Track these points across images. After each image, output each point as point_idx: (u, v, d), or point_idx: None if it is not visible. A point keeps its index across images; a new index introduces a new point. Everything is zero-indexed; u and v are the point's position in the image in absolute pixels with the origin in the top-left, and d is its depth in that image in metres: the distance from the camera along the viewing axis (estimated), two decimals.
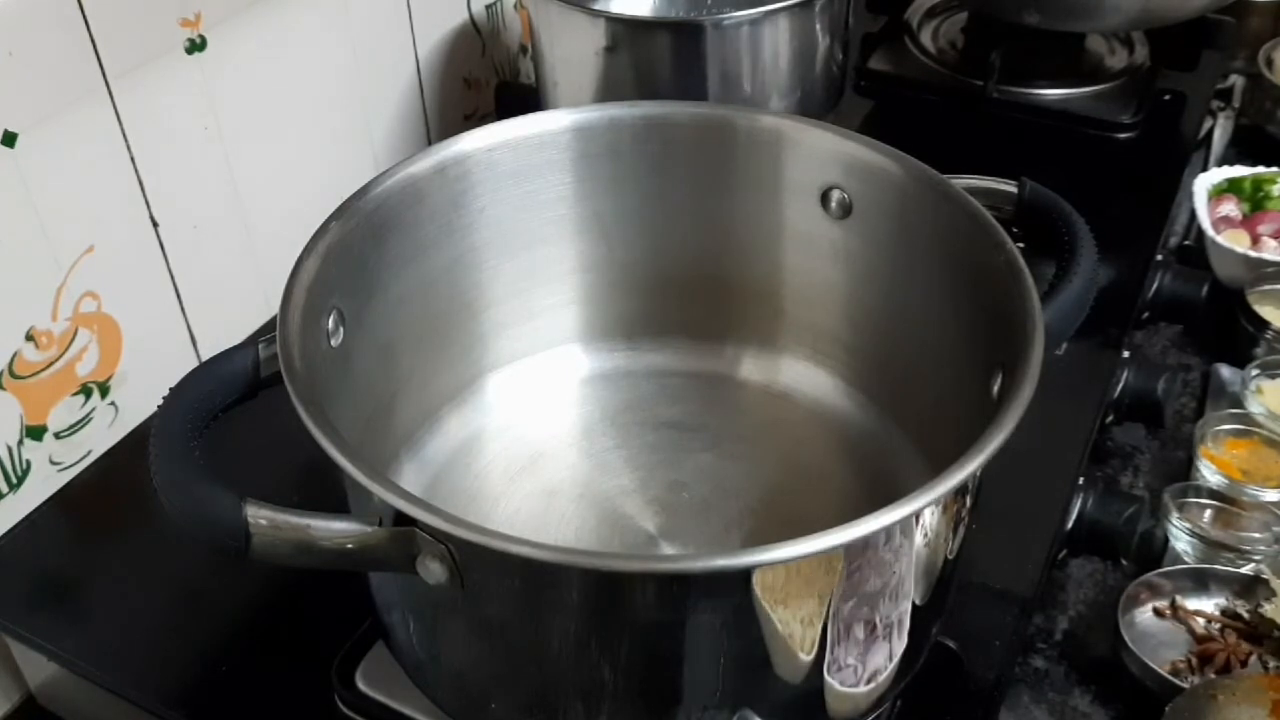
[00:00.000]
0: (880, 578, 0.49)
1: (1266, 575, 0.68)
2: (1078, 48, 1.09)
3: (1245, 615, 0.68)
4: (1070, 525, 0.69)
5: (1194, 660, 0.66)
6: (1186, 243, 0.98)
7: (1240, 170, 0.98)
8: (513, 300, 0.71)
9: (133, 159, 0.72)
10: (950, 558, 0.54)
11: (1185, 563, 0.72)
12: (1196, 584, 0.70)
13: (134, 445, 0.75)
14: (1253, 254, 0.90)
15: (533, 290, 0.71)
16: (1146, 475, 0.79)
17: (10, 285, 0.67)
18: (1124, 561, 0.71)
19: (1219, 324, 0.88)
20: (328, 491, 0.51)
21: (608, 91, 0.86)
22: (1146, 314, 0.87)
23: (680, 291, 0.72)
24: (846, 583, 0.48)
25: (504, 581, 0.48)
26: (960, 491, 0.51)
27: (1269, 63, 1.13)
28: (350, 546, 0.47)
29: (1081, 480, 0.70)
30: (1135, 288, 0.85)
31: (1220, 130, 1.11)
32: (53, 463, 0.72)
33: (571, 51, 0.87)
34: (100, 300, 0.72)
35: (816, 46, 0.88)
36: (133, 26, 0.70)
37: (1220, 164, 1.03)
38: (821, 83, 0.90)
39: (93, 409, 0.74)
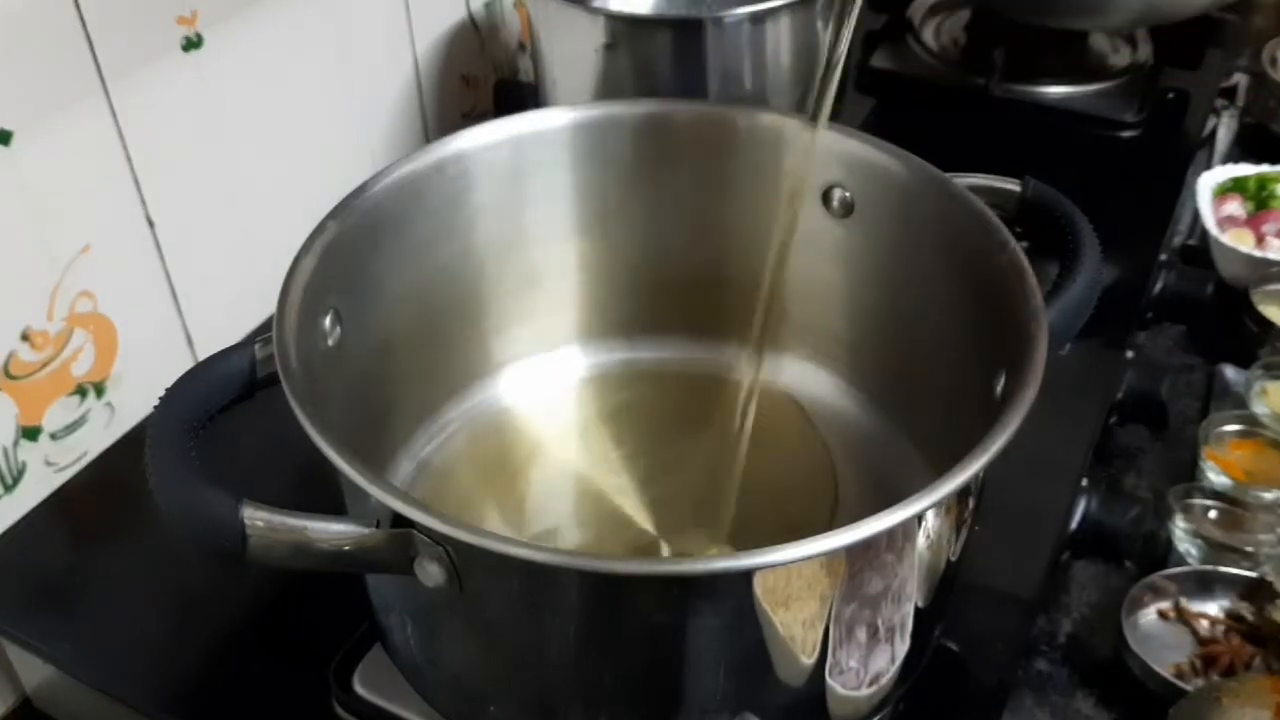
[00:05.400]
0: (882, 580, 0.49)
1: (1271, 578, 0.68)
2: (1081, 46, 1.08)
3: (1249, 617, 0.68)
4: (1074, 527, 0.68)
5: (1198, 663, 0.66)
6: (1190, 242, 0.98)
7: (1244, 169, 0.98)
8: (512, 300, 0.70)
9: (129, 157, 0.72)
10: (953, 560, 0.54)
11: (1189, 565, 0.71)
12: (1200, 586, 0.69)
13: (130, 446, 0.74)
14: (1257, 253, 0.90)
15: (532, 290, 0.71)
16: (1150, 476, 0.79)
17: (5, 285, 0.67)
18: (1127, 563, 0.71)
19: (1223, 324, 0.88)
20: (325, 493, 0.51)
21: (607, 89, 0.86)
22: (1150, 314, 0.87)
23: (680, 291, 0.72)
24: (848, 585, 0.48)
25: (502, 584, 0.48)
26: (963, 493, 0.51)
27: (1273, 61, 1.13)
28: (347, 548, 0.47)
29: (1085, 482, 0.70)
30: (1139, 287, 0.84)
31: (1224, 129, 1.10)
32: (48, 464, 0.72)
33: (571, 49, 0.87)
34: (96, 300, 0.72)
35: (818, 44, 0.88)
36: (129, 24, 0.69)
37: (1224, 163, 1.02)
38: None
39: (88, 410, 0.73)
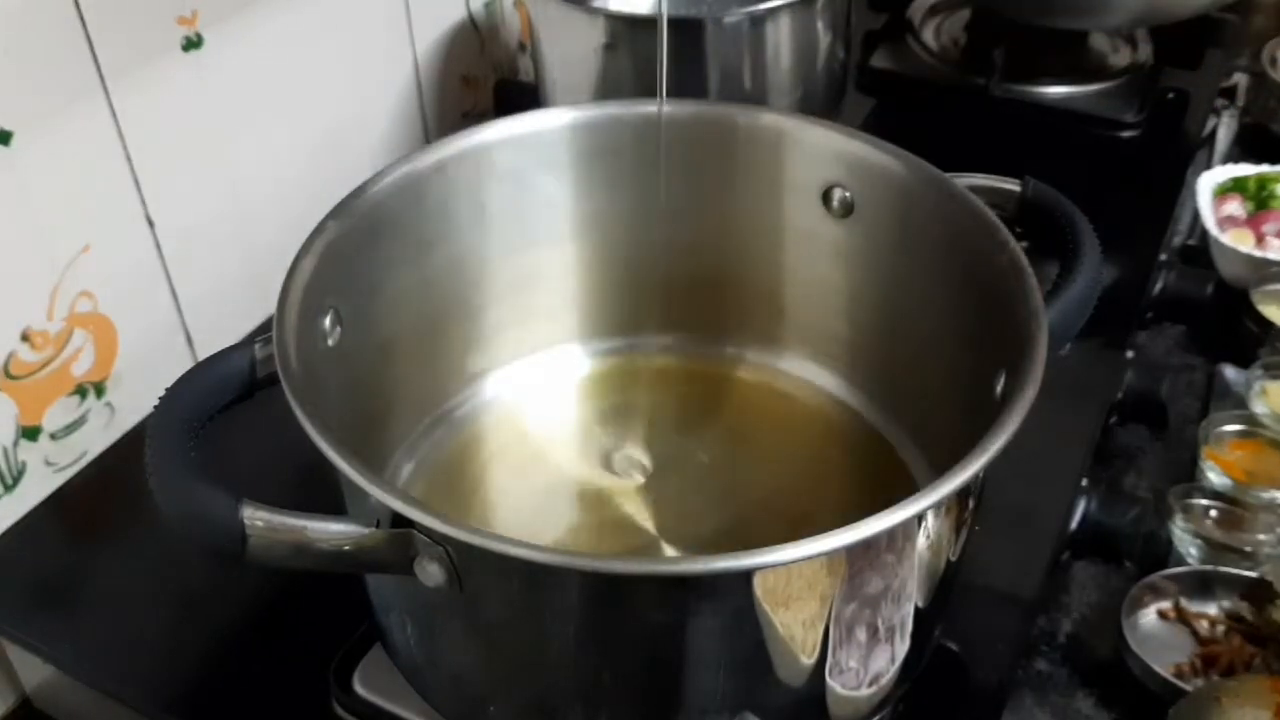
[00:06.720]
0: (882, 580, 0.49)
1: (1271, 578, 0.68)
2: (1081, 46, 1.08)
3: (1249, 617, 0.68)
4: (1074, 527, 0.68)
5: (1198, 663, 0.66)
6: (1190, 242, 0.98)
7: (1244, 169, 0.98)
8: (512, 300, 0.70)
9: (129, 157, 0.72)
10: (953, 560, 0.54)
11: (1189, 565, 0.71)
12: (1200, 586, 0.69)
13: (130, 446, 0.74)
14: (1257, 253, 0.89)
15: (532, 290, 0.71)
16: (1150, 477, 0.79)
17: (5, 285, 0.67)
18: (1127, 563, 0.71)
19: (1223, 324, 0.88)
20: (325, 493, 0.51)
21: (607, 89, 0.85)
22: (1150, 314, 0.87)
23: (680, 291, 0.72)
24: (848, 585, 0.48)
25: (502, 584, 0.48)
26: (963, 493, 0.51)
27: (1273, 61, 1.13)
28: (347, 548, 0.47)
29: (1085, 482, 0.70)
30: (1139, 288, 0.84)
31: (1224, 129, 1.10)
32: (48, 464, 0.72)
33: (571, 49, 0.87)
34: (96, 300, 0.72)
35: (818, 44, 0.88)
36: (129, 24, 0.69)
37: (1224, 163, 1.02)
38: (823, 80, 0.90)
39: (88, 410, 0.73)
